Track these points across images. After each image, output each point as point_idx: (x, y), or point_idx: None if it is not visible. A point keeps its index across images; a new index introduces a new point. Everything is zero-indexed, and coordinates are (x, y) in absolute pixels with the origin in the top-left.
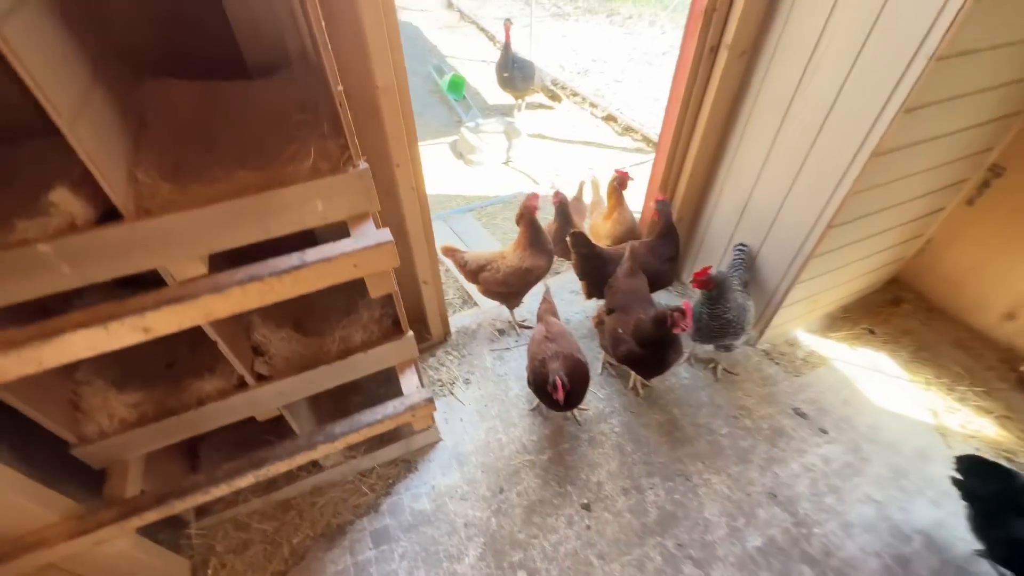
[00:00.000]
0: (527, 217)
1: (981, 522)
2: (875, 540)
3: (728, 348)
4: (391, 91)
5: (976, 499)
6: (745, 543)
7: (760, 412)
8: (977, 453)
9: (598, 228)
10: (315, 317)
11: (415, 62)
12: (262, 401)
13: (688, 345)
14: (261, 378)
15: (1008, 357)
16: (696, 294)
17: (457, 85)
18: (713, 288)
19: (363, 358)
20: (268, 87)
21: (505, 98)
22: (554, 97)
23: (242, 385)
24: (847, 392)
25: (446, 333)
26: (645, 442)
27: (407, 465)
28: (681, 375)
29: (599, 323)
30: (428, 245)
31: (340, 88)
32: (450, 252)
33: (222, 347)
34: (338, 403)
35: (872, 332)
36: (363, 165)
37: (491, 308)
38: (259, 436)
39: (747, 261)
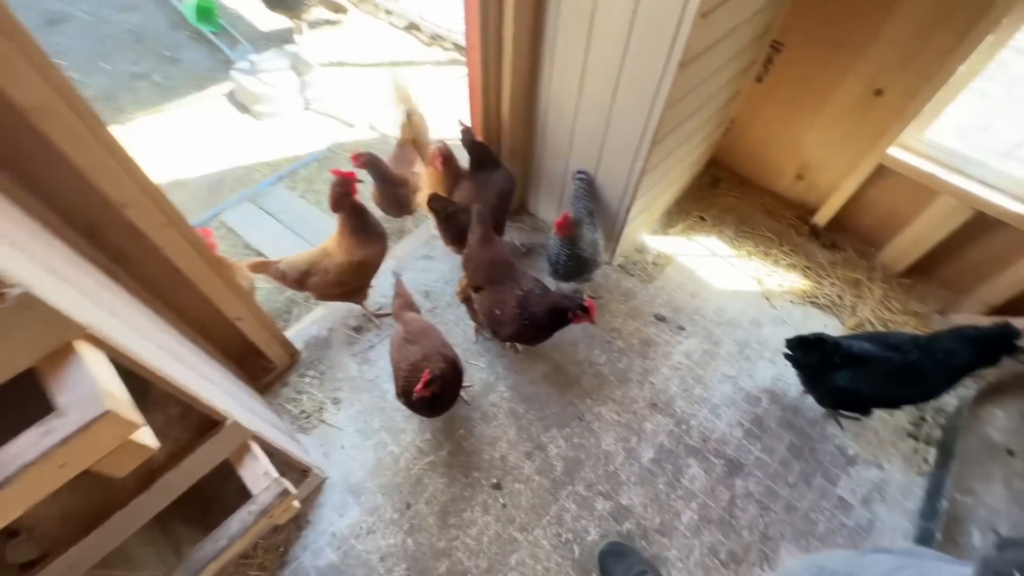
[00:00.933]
0: (345, 203)
1: (809, 381)
2: (736, 412)
3: (588, 280)
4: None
5: (803, 366)
6: (640, 459)
7: (628, 329)
8: (797, 331)
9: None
10: None
11: None
12: None
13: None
14: (29, 567)
15: (802, 212)
16: (548, 227)
17: (206, 11)
18: (575, 231)
19: (176, 476)
20: None
21: (279, 20)
22: (338, 8)
23: None
24: (693, 285)
25: (292, 354)
26: (535, 398)
27: (296, 522)
28: None
29: (465, 299)
30: (223, 279)
31: None
32: (260, 268)
33: None
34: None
35: (703, 219)
36: (15, 291)
37: (337, 304)
38: None
39: (588, 189)
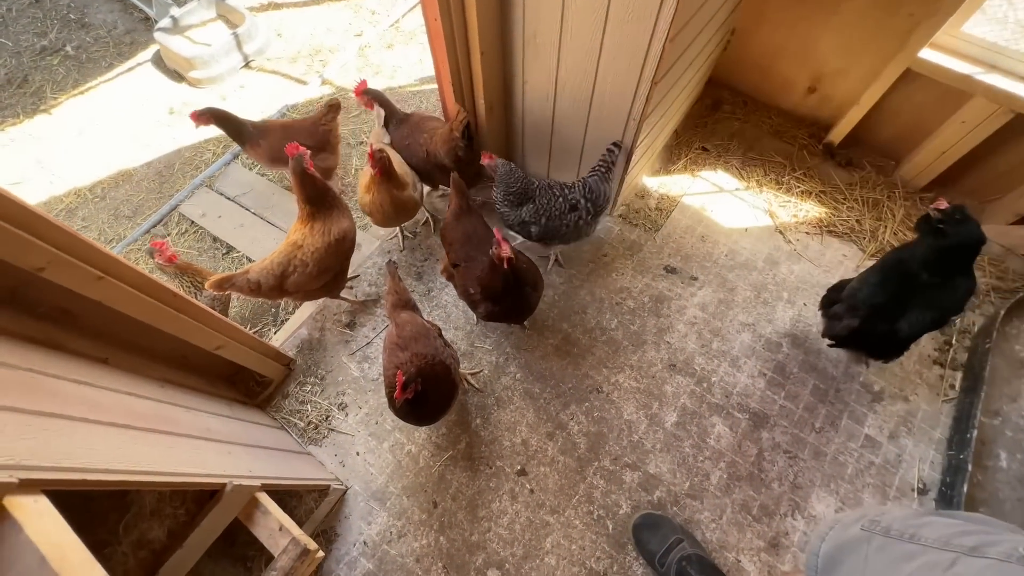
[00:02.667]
0: (297, 175)
1: (831, 324)
2: (757, 361)
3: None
4: None
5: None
6: (664, 424)
7: (637, 286)
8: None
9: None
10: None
11: None
12: None
13: (546, 253)
14: None
15: (815, 131)
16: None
17: None
18: (494, 176)
19: (183, 553)
20: None
21: None
22: None
23: None
24: (702, 227)
25: (286, 364)
26: (549, 375)
27: (325, 536)
28: (556, 283)
29: (450, 277)
30: (189, 313)
31: None
32: (224, 285)
33: None
34: None
35: (706, 150)
36: None
37: (324, 301)
38: None
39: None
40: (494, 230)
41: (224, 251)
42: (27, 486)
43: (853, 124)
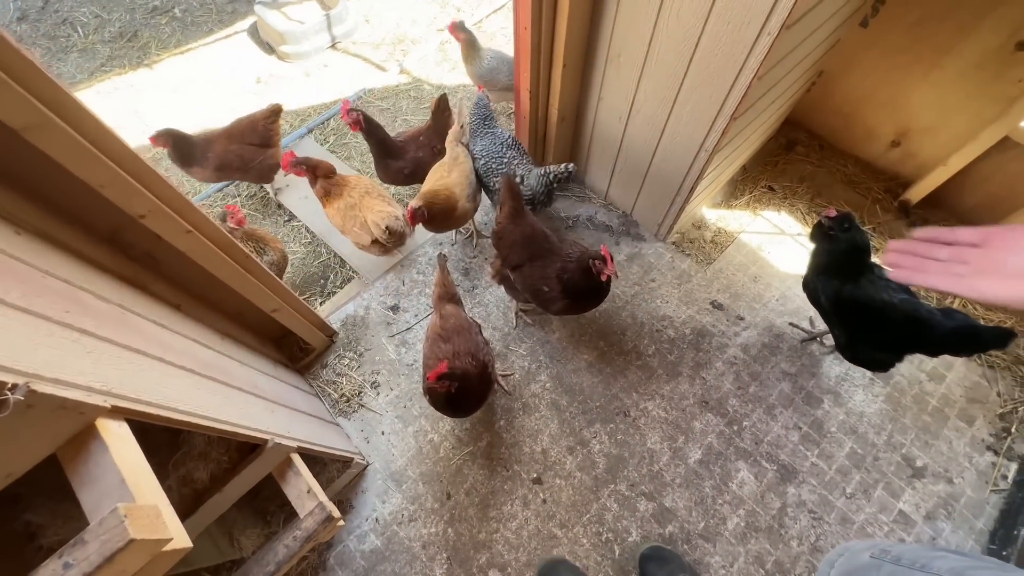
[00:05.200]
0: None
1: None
2: (794, 414)
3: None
4: (40, 127)
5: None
6: (687, 460)
7: (681, 317)
8: None
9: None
10: None
11: None
12: None
13: None
14: None
15: (891, 186)
16: (596, 196)
17: None
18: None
19: (220, 498)
20: None
21: None
22: None
23: None
24: (756, 267)
25: (330, 335)
26: (579, 390)
27: (340, 507)
28: None
29: (502, 280)
30: (256, 275)
31: None
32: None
33: None
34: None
35: (772, 189)
36: (17, 393)
37: (375, 281)
38: None
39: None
40: (602, 247)
41: (286, 218)
42: (115, 412)
43: (936, 185)
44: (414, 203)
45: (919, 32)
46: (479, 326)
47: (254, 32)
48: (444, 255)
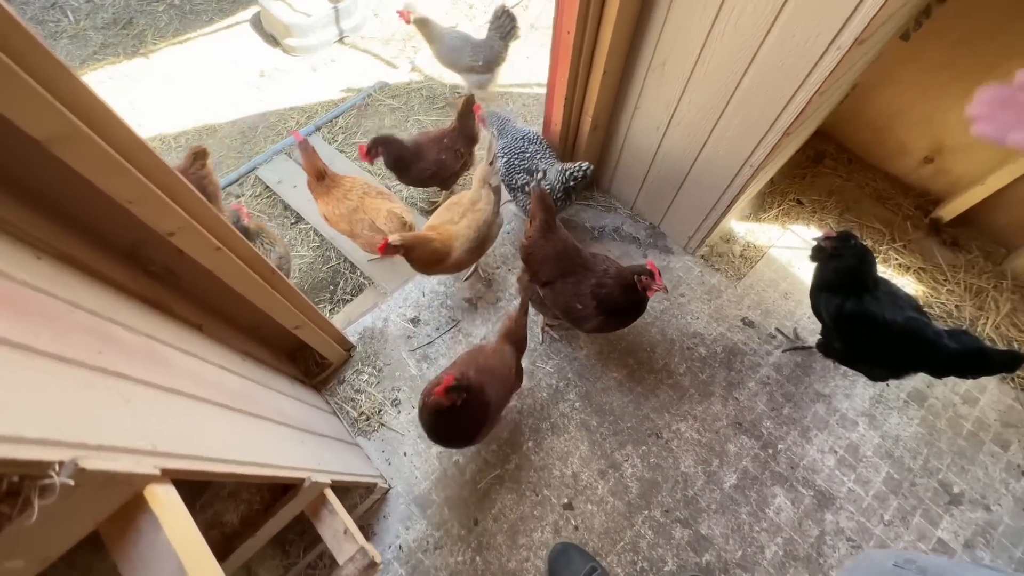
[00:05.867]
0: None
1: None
2: (829, 437)
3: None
4: (66, 137)
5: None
6: (723, 485)
7: (711, 334)
8: None
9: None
10: None
11: None
12: None
13: None
14: None
15: (922, 203)
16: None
17: None
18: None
19: (252, 542)
20: None
21: None
22: None
23: None
24: (786, 283)
25: (348, 348)
26: (609, 410)
27: (362, 533)
28: None
29: (530, 296)
30: (281, 291)
31: None
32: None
33: None
34: None
35: (801, 203)
36: (63, 474)
37: (393, 291)
38: None
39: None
40: (648, 261)
41: (293, 220)
42: (164, 475)
43: (971, 204)
44: (394, 239)
45: (963, 49)
46: (520, 382)
47: (257, 23)
48: (533, 290)
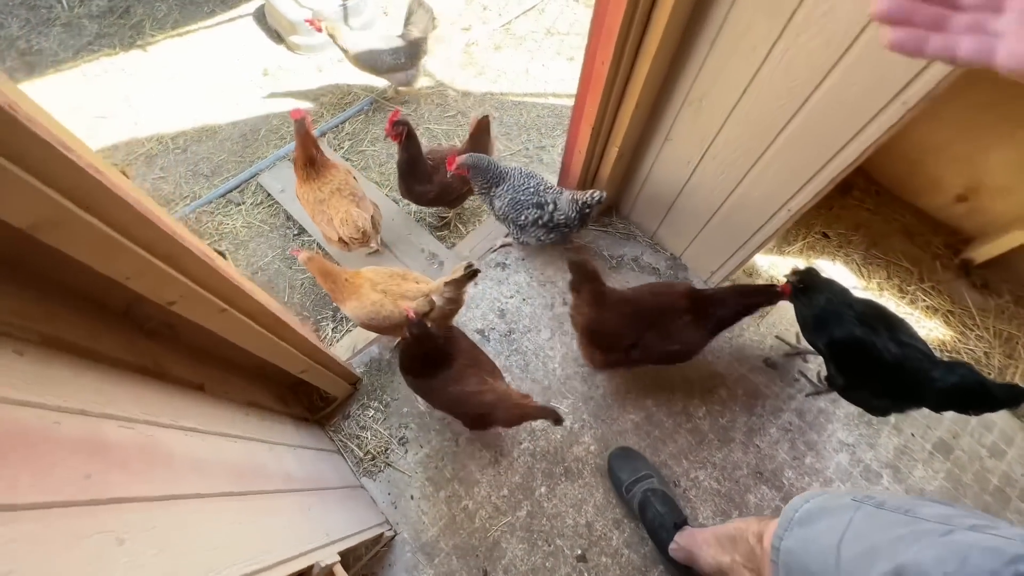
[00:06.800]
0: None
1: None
2: (851, 488)
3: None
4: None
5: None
6: None
7: (732, 375)
8: None
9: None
10: None
11: None
12: None
13: None
14: None
15: (953, 241)
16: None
17: None
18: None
19: None
20: None
21: None
22: None
23: None
24: None
25: (353, 382)
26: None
27: None
28: None
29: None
30: (288, 340)
31: None
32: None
33: None
34: None
35: (826, 236)
36: None
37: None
38: None
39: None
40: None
41: (296, 232)
42: None
43: (1007, 248)
44: (303, 256)
45: (1012, 91)
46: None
47: (261, 17)
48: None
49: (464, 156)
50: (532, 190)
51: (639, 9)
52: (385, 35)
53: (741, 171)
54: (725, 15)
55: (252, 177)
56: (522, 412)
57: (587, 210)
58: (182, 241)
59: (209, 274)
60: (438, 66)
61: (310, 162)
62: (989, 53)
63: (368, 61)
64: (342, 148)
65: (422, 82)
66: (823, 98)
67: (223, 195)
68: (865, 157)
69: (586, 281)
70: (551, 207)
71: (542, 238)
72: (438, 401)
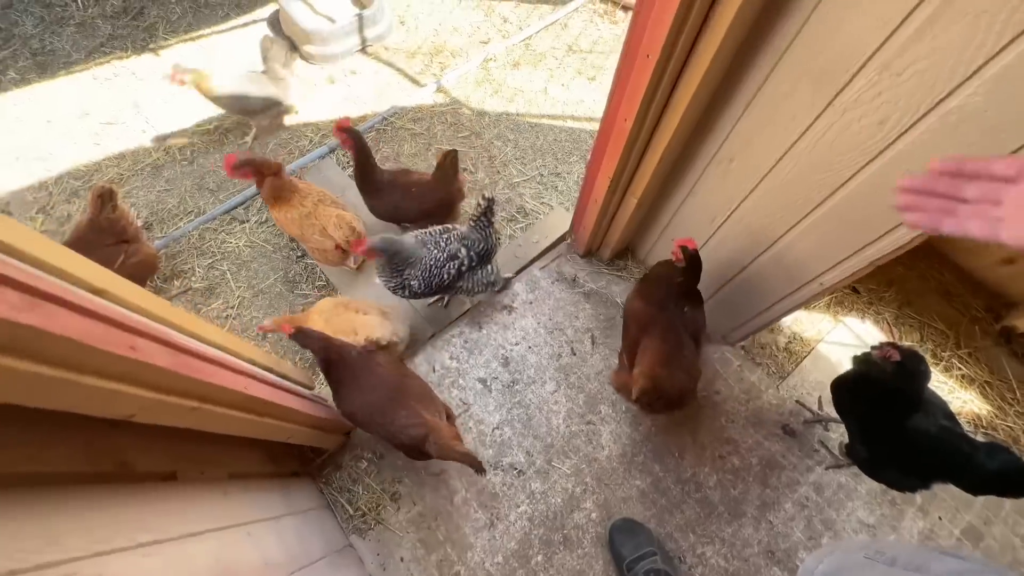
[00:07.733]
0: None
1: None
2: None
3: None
4: None
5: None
6: None
7: (747, 442)
8: None
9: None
10: None
11: None
12: None
13: None
14: None
15: (995, 304)
16: None
17: None
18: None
19: None
20: None
21: None
22: None
23: None
24: None
25: (347, 431)
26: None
27: None
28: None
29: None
30: (272, 416)
31: None
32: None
33: None
34: None
35: (856, 291)
36: None
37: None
38: None
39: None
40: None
41: (299, 254)
42: None
43: None
44: (266, 323)
45: None
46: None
47: (275, 23)
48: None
49: (376, 239)
50: (441, 242)
51: (668, 71)
52: (250, 76)
53: (770, 238)
54: (765, 77)
55: (257, 194)
56: (448, 454)
57: (488, 216)
58: (139, 359)
59: (174, 379)
60: (453, 82)
61: (277, 173)
62: (995, 233)
63: (238, 106)
64: (351, 166)
65: (436, 99)
66: (870, 179)
67: (228, 211)
68: (918, 243)
69: (641, 337)
70: (464, 249)
71: (491, 277)
72: (368, 428)
